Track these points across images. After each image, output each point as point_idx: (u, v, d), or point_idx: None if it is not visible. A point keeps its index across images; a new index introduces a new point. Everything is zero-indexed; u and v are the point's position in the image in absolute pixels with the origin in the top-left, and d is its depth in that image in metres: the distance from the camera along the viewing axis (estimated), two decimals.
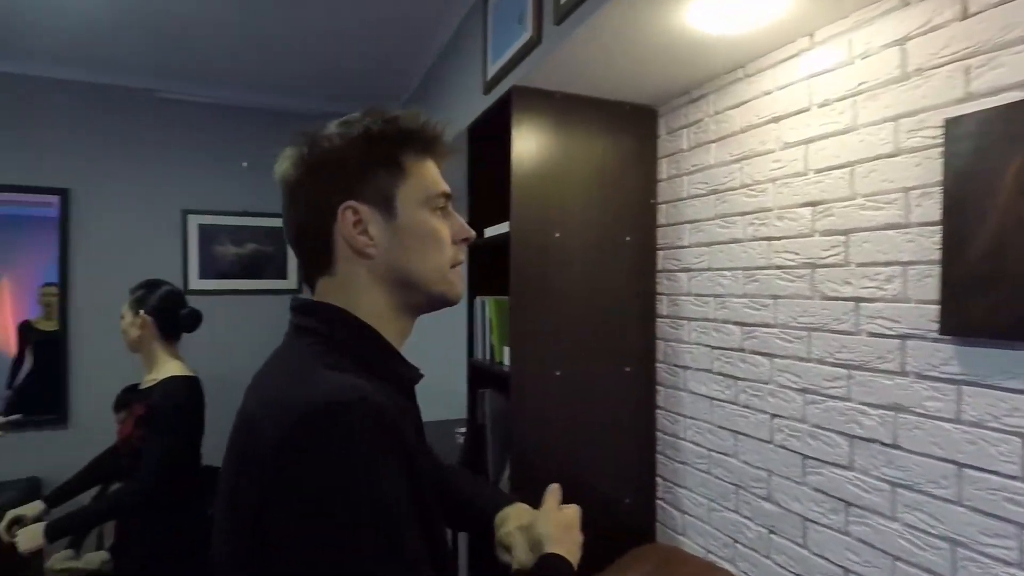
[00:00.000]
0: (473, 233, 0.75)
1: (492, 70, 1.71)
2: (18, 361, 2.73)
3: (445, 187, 0.72)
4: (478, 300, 1.94)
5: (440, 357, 3.00)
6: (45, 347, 2.72)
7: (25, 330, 2.75)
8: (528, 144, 1.60)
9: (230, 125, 3.00)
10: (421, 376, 0.73)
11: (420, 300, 0.71)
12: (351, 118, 0.69)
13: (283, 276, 3.05)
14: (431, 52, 2.46)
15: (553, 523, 0.77)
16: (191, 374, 1.76)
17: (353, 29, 2.29)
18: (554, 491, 0.84)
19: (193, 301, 2.84)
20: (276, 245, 3.04)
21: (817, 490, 1.25)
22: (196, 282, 2.93)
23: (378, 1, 2.09)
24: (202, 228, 2.94)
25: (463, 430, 2.16)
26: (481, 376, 1.92)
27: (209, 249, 2.95)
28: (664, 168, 1.76)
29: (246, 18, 2.20)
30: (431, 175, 0.71)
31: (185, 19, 2.22)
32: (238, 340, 2.96)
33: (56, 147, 2.71)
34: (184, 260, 2.91)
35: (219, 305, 2.94)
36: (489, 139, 1.82)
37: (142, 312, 1.70)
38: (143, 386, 1.75)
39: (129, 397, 1.76)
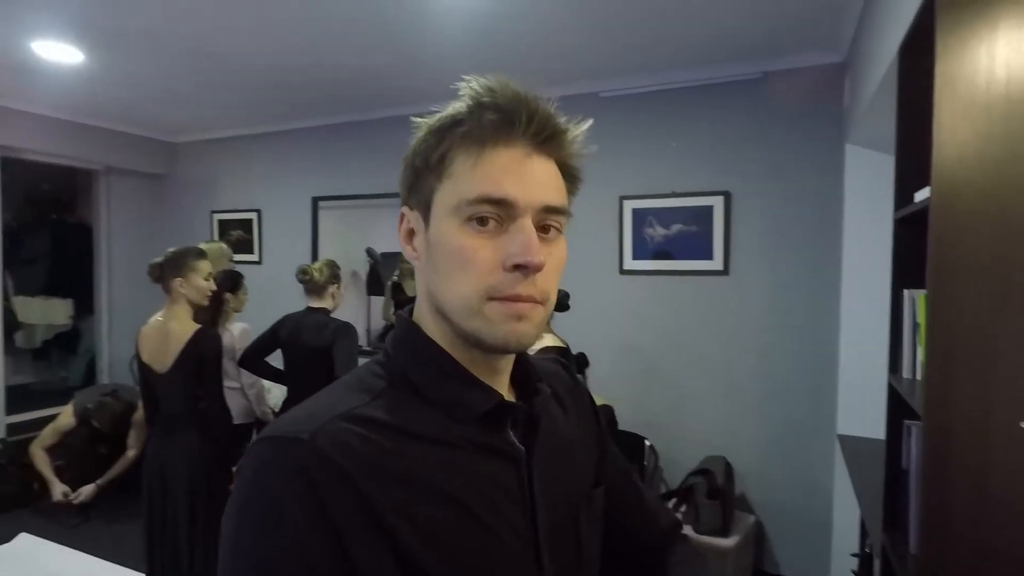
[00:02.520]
0: (531, 259, 0.50)
1: None
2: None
3: (489, 189, 0.50)
4: (905, 295, 1.37)
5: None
6: None
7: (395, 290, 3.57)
8: (972, 50, 1.00)
9: (660, 109, 3.02)
10: (512, 404, 0.57)
11: (460, 333, 0.54)
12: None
13: (708, 257, 2.89)
14: None
15: None
16: (563, 345, 1.88)
17: None
18: None
19: (626, 281, 3.10)
20: (701, 225, 2.91)
21: None
22: (629, 263, 3.10)
23: None
24: (635, 212, 3.07)
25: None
26: (906, 402, 1.35)
27: (640, 231, 3.06)
28: None
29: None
30: (475, 174, 0.51)
31: (626, 20, 2.34)
32: (661, 319, 3.01)
33: None
34: (620, 243, 3.11)
35: (649, 285, 3.05)
36: (924, 62, 1.23)
37: None
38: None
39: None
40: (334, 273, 2.55)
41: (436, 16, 2.32)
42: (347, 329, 2.42)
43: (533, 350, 1.91)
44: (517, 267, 0.50)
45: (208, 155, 4.60)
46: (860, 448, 2.29)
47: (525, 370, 0.62)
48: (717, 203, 2.86)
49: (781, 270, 2.77)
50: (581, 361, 2.69)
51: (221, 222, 4.51)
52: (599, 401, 2.59)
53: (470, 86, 0.53)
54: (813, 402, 2.72)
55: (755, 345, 2.83)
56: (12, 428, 3.81)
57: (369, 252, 4.06)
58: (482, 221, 0.51)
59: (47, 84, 3.27)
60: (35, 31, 2.55)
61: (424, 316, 0.57)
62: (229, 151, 4.49)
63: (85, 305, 5.03)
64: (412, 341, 0.56)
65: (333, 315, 2.52)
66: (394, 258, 3.91)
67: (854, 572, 2.09)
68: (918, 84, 1.29)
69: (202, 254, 2.31)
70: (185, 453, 2.17)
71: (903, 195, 1.34)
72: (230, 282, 2.77)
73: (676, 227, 2.97)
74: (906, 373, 1.37)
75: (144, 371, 2.25)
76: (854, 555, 2.11)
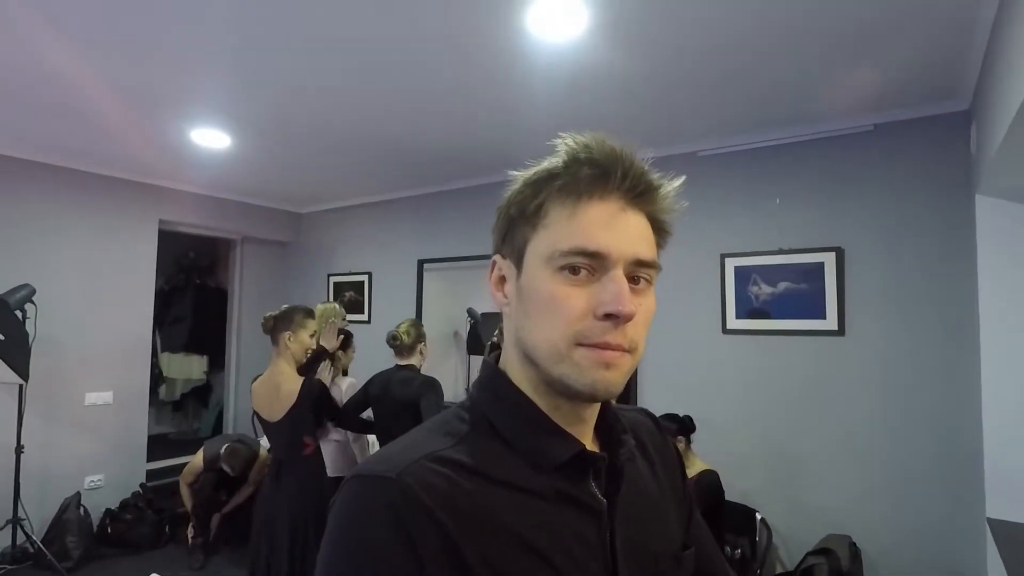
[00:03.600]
0: (622, 308, 0.51)
1: None
2: None
3: (584, 241, 0.52)
4: None
5: None
6: None
7: (494, 350, 3.52)
8: None
9: (762, 166, 2.96)
10: (593, 454, 0.56)
11: (547, 380, 0.55)
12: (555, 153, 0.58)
13: (820, 316, 2.72)
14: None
15: None
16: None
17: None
18: None
19: (730, 340, 2.97)
20: (810, 283, 2.76)
21: None
22: (733, 322, 2.98)
23: None
24: (737, 269, 2.98)
25: None
26: None
27: (744, 289, 2.95)
28: None
29: (802, 52, 2.15)
30: (570, 226, 0.53)
31: (725, 82, 2.38)
32: (770, 380, 2.84)
33: None
34: (722, 301, 3.01)
35: (755, 344, 2.91)
36: None
37: None
38: None
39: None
40: (419, 332, 2.73)
41: (532, 88, 2.46)
42: (432, 383, 2.54)
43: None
44: (608, 316, 0.51)
45: (327, 223, 5.04)
46: (1018, 535, 2.01)
47: (609, 420, 0.61)
48: (828, 259, 2.71)
49: (907, 329, 2.54)
50: (687, 425, 2.58)
51: (336, 284, 4.86)
52: (701, 466, 2.46)
53: (566, 142, 0.56)
54: (954, 478, 2.42)
55: (879, 411, 2.58)
56: (150, 474, 4.20)
57: (470, 312, 4.20)
58: (574, 270, 0.53)
59: (199, 165, 3.77)
60: (194, 121, 2.98)
61: (511, 362, 0.59)
62: (345, 219, 4.89)
63: (217, 361, 5.55)
64: (496, 387, 0.58)
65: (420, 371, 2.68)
66: (494, 318, 4.01)
67: None
68: None
69: (311, 314, 2.52)
70: (289, 496, 2.33)
71: None
72: (341, 340, 2.98)
73: (783, 285, 2.84)
74: None
75: (258, 418, 2.48)
76: None
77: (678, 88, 2.45)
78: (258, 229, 4.98)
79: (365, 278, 4.67)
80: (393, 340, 2.66)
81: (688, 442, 2.57)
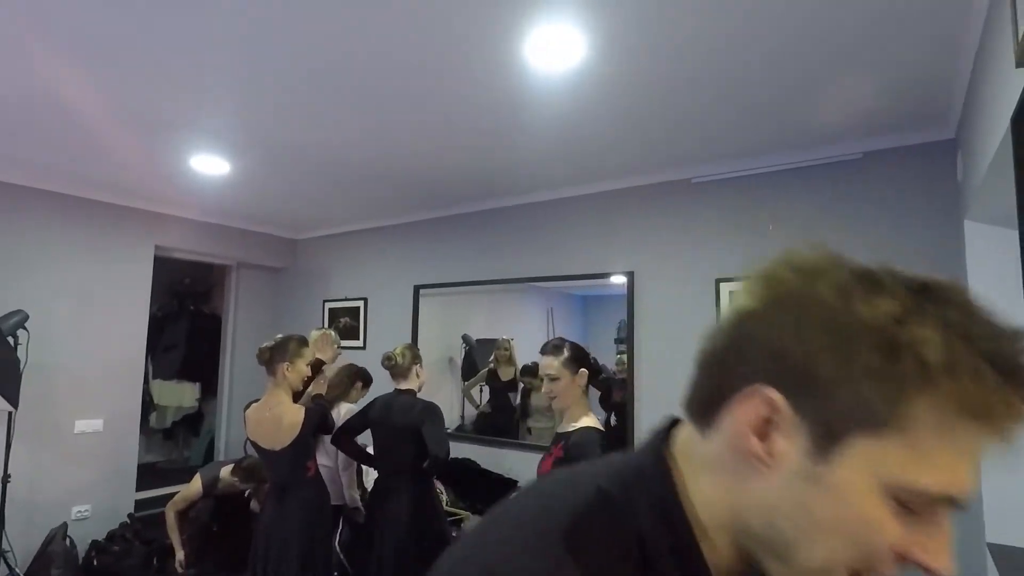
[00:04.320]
0: (943, 569, 0.41)
1: None
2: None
3: (957, 492, 0.41)
4: None
5: None
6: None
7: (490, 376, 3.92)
8: None
9: (755, 192, 3.01)
10: None
11: (768, 569, 0.45)
12: (897, 277, 0.44)
13: None
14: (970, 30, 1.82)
15: None
16: (601, 428, 1.94)
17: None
18: None
19: None
20: None
21: None
22: None
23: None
24: (732, 295, 3.00)
25: None
26: None
27: None
28: None
29: (772, 80, 2.20)
30: (956, 466, 0.41)
31: (716, 109, 2.43)
32: None
33: (625, 239, 3.37)
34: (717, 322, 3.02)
35: None
36: None
37: (582, 369, 1.98)
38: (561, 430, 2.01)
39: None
40: (415, 354, 2.76)
41: (528, 116, 2.50)
42: (432, 409, 2.57)
43: (572, 427, 1.93)
44: (908, 560, 0.41)
45: (322, 249, 5.05)
46: (1018, 560, 2.00)
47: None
48: None
49: None
50: None
51: (331, 310, 4.85)
52: None
53: (957, 325, 0.40)
54: None
55: None
56: (139, 504, 4.11)
57: (465, 339, 4.19)
58: (912, 510, 0.41)
59: (198, 192, 3.80)
60: (195, 148, 3.01)
61: (697, 488, 0.47)
62: (341, 245, 4.91)
63: (210, 388, 5.49)
64: (670, 509, 0.47)
65: (419, 394, 2.72)
66: (489, 345, 4.01)
67: None
68: None
69: (305, 342, 2.55)
70: (295, 518, 2.36)
71: None
72: (362, 376, 3.25)
73: None
74: None
75: (254, 447, 2.47)
76: None
77: (672, 116, 2.50)
78: (254, 255, 4.98)
79: (360, 304, 4.66)
80: (388, 361, 2.68)
81: None
